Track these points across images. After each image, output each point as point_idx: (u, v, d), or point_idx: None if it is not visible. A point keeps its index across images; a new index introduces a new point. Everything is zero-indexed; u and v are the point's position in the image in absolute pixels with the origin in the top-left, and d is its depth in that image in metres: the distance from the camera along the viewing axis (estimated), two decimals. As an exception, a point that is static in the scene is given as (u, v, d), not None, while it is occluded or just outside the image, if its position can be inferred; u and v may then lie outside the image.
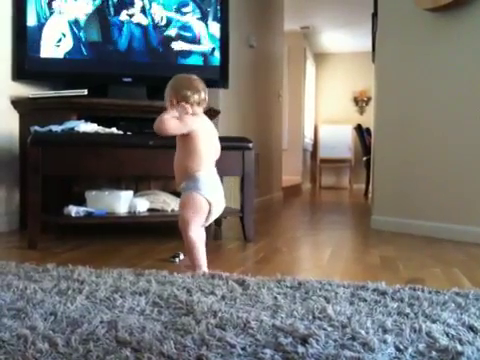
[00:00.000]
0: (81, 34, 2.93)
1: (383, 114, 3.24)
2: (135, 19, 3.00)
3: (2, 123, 2.81)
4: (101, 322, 1.16)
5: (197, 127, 1.72)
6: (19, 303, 1.31)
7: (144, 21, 3.01)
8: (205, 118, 1.78)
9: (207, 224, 1.81)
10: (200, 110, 1.75)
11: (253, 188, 2.58)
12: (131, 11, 2.98)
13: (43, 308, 1.26)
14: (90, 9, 2.93)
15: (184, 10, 3.07)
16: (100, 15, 2.95)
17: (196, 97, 1.71)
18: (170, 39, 3.06)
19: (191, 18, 3.09)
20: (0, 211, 2.77)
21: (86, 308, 1.28)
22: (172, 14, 3.05)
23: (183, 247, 1.88)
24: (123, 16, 2.98)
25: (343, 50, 9.24)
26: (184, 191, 1.76)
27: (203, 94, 1.74)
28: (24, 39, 2.85)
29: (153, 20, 3.03)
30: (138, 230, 2.86)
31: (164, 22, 3.04)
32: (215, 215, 1.79)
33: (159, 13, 3.03)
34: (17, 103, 2.87)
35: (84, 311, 1.25)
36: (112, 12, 2.96)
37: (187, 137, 1.72)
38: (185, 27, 3.08)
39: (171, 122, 1.68)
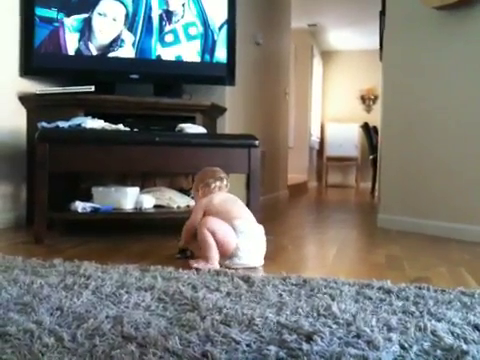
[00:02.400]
0: (89, 30, 2.94)
1: (390, 112, 3.23)
2: (140, 24, 3.00)
3: (10, 119, 2.82)
4: (107, 317, 1.16)
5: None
6: (26, 298, 1.32)
7: (151, 19, 3.02)
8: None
9: None
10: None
11: (259, 186, 2.58)
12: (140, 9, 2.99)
13: (49, 303, 1.27)
14: (97, 5, 2.94)
15: (189, 12, 3.08)
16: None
17: (218, 183, 1.99)
18: (176, 42, 3.06)
19: (196, 20, 3.09)
20: (7, 207, 2.79)
21: (92, 303, 1.28)
22: (179, 11, 3.05)
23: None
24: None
25: (350, 48, 9.20)
26: None
27: (225, 181, 2.01)
28: (32, 35, 2.86)
29: (160, 21, 3.03)
30: (144, 226, 2.87)
31: (171, 19, 3.05)
32: None
33: (164, 12, 3.04)
34: (24, 99, 2.89)
35: (90, 306, 1.25)
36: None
37: None
38: (192, 25, 3.08)
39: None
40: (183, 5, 3.06)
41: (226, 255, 1.80)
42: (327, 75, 9.68)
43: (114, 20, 2.97)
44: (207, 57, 3.12)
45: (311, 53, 8.33)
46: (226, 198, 1.96)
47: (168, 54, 3.07)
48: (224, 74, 3.15)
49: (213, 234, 1.78)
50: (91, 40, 2.95)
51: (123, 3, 2.97)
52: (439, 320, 1.20)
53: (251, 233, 1.85)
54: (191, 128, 2.66)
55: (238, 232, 1.81)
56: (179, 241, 2.00)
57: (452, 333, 1.10)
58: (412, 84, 3.03)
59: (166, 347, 0.99)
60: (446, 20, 2.82)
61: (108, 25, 2.97)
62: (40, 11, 2.86)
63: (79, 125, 2.48)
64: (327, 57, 9.61)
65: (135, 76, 3.02)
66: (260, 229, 1.92)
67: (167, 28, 3.06)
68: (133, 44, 3.01)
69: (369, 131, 7.42)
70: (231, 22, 3.16)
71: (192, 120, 2.92)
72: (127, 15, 2.98)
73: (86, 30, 2.94)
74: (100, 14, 2.95)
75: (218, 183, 1.98)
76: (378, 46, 4.50)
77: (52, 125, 2.47)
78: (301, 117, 8.07)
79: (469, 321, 1.19)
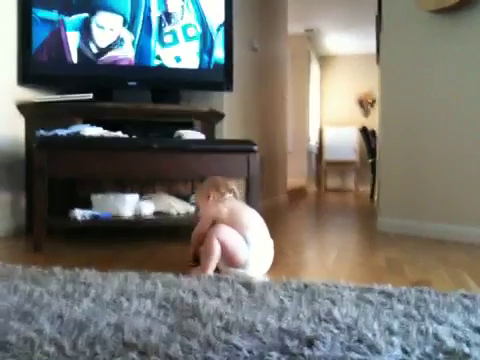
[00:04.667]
0: (87, 36, 2.95)
1: (388, 116, 3.23)
2: (140, 24, 3.02)
3: (8, 127, 2.82)
4: (107, 325, 1.16)
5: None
6: (26, 306, 1.31)
7: (150, 19, 3.03)
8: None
9: None
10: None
11: (258, 191, 2.58)
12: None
13: (50, 311, 1.27)
14: (95, 16, 2.95)
15: (188, 13, 3.09)
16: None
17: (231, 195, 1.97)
18: (175, 43, 3.07)
19: (195, 21, 3.10)
20: (6, 214, 2.78)
21: (92, 311, 1.28)
22: (178, 13, 3.07)
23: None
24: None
25: (347, 52, 9.23)
26: None
27: (237, 193, 2.00)
28: (29, 43, 2.87)
29: (160, 23, 3.04)
30: (143, 233, 2.87)
31: (170, 21, 3.06)
32: None
33: (163, 16, 3.05)
34: (23, 107, 2.89)
35: (90, 314, 1.25)
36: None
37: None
38: (191, 26, 3.09)
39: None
40: (182, 7, 3.08)
41: (234, 267, 1.76)
42: (325, 80, 9.71)
43: (111, 30, 2.99)
44: (206, 57, 3.12)
45: (308, 58, 8.35)
46: (234, 207, 1.89)
47: (167, 54, 3.08)
48: (222, 80, 3.16)
49: (223, 245, 1.73)
50: (90, 44, 2.96)
51: (120, 13, 2.98)
52: (441, 323, 1.19)
53: (261, 243, 1.82)
54: (189, 134, 2.67)
55: (249, 244, 1.77)
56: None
57: (454, 336, 1.10)
58: (409, 87, 3.03)
59: (167, 354, 0.99)
60: (442, 23, 2.84)
61: (106, 35, 2.98)
62: (40, 13, 2.86)
63: (78, 133, 2.48)
64: (324, 62, 9.64)
65: (133, 83, 3.02)
66: (269, 237, 1.88)
67: (166, 29, 3.07)
68: (133, 43, 3.02)
69: (367, 135, 7.42)
70: (228, 25, 3.17)
71: (190, 126, 2.92)
72: (125, 21, 3.00)
73: (84, 35, 2.94)
74: (98, 26, 2.96)
75: (231, 195, 1.95)
76: (375, 50, 4.51)
77: (50, 133, 2.47)
78: (299, 122, 8.08)
79: (471, 324, 1.18)
